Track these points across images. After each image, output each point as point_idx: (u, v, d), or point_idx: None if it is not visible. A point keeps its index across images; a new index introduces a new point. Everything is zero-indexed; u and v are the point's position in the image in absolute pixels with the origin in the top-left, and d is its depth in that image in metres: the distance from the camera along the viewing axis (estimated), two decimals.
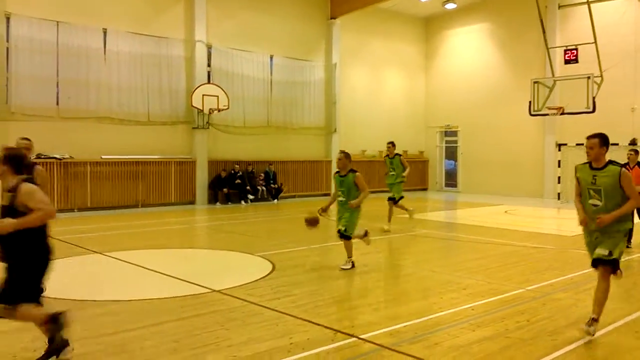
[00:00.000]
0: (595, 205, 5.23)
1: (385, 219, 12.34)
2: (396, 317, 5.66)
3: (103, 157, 16.41)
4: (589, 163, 5.29)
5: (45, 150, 15.36)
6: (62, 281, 7.56)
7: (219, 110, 18.09)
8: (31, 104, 15.14)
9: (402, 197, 12.63)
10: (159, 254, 9.71)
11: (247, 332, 5.22)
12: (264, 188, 19.55)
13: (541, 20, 17.15)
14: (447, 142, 25.70)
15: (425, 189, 25.60)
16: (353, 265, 8.11)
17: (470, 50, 24.11)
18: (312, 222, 8.28)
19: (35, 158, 15.11)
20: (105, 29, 16.49)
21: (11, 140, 14.77)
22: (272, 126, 20.30)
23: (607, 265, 5.14)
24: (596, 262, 5.21)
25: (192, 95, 17.70)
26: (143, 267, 8.32)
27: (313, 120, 21.54)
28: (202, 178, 18.39)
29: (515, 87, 21.72)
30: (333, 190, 8.41)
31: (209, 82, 18.39)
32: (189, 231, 13.37)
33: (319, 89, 21.77)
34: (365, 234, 8.62)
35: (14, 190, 4.21)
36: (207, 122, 18.29)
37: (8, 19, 14.91)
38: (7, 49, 14.98)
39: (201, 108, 17.74)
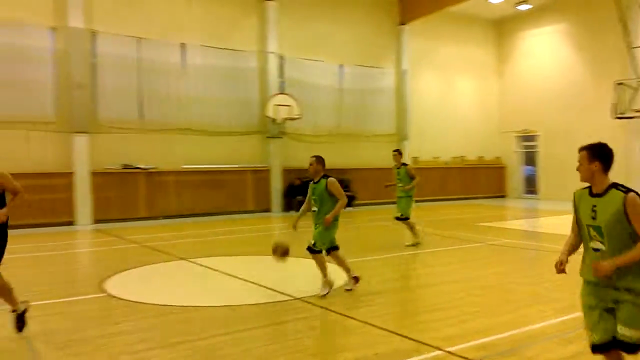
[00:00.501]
0: (596, 250, 3.49)
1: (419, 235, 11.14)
2: (483, 330, 5.48)
3: (184, 166, 17.06)
4: (589, 188, 3.68)
5: (131, 161, 16.17)
6: (147, 287, 7.92)
7: (291, 120, 18.39)
8: (117, 116, 16.00)
9: (407, 218, 10.85)
10: (239, 260, 9.95)
11: (331, 341, 5.24)
12: None
13: (622, 20, 16.28)
14: (525, 147, 24.80)
15: (503, 196, 24.85)
16: (331, 287, 6.96)
17: (546, 52, 23.23)
18: (284, 254, 6.88)
19: (123, 169, 16.05)
20: (184, 44, 17.18)
21: (99, 151, 15.72)
22: (343, 134, 20.40)
23: (634, 351, 3.41)
24: (611, 345, 3.44)
25: (265, 106, 18.10)
26: (225, 273, 8.54)
27: (384, 127, 21.47)
28: (276, 186, 18.72)
29: (595, 89, 20.72)
30: (306, 200, 7.24)
31: (281, 92, 18.74)
32: (266, 238, 13.55)
33: (390, 95, 21.69)
34: (356, 280, 7.25)
35: None
36: (281, 132, 18.63)
37: (94, 36, 15.85)
38: (94, 64, 15.92)
39: (275, 118, 18.09)
